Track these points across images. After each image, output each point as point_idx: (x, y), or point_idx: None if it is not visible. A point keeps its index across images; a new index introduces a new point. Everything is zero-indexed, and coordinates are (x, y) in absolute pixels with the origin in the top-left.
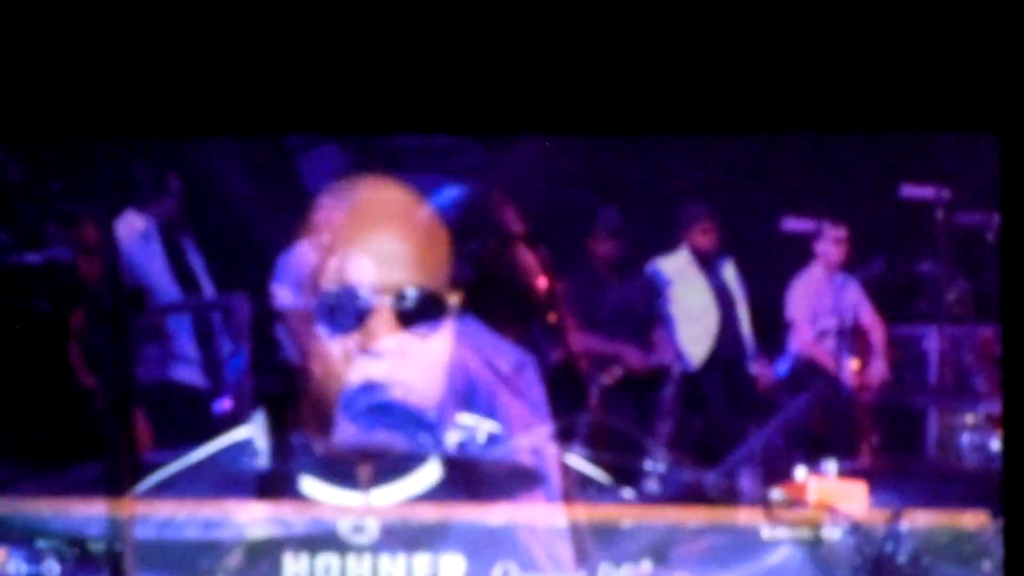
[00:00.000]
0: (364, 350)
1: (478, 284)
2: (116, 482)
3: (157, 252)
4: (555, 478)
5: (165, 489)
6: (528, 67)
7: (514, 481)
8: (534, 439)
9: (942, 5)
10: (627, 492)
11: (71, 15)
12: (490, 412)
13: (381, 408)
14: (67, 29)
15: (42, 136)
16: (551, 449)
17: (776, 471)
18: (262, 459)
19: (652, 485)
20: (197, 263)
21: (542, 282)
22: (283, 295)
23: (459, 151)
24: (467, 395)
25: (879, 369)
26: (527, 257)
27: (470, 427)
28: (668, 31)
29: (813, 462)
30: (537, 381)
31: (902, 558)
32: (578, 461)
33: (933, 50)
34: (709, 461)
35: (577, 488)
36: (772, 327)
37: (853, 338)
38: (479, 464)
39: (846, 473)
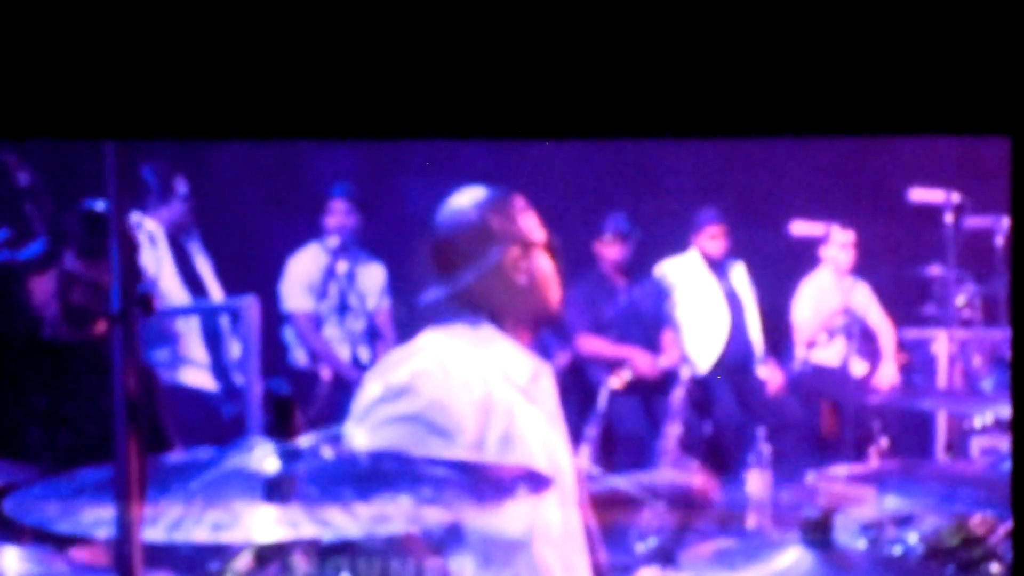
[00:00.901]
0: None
1: (497, 292)
2: (125, 484)
3: (164, 256)
4: (567, 483)
5: (174, 491)
6: (535, 70)
7: (523, 486)
8: (548, 446)
9: (953, 8)
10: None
11: (78, 16)
12: (507, 422)
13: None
14: (75, 31)
15: (49, 139)
16: (564, 455)
17: (786, 474)
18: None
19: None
20: (205, 266)
21: (557, 289)
22: (292, 298)
23: (465, 154)
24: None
25: (888, 372)
26: (546, 264)
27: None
28: (676, 34)
29: (823, 465)
30: (552, 389)
31: (911, 561)
32: (588, 465)
33: (944, 53)
34: (718, 464)
35: (588, 492)
36: (781, 331)
37: (862, 341)
38: (489, 469)
39: (855, 477)
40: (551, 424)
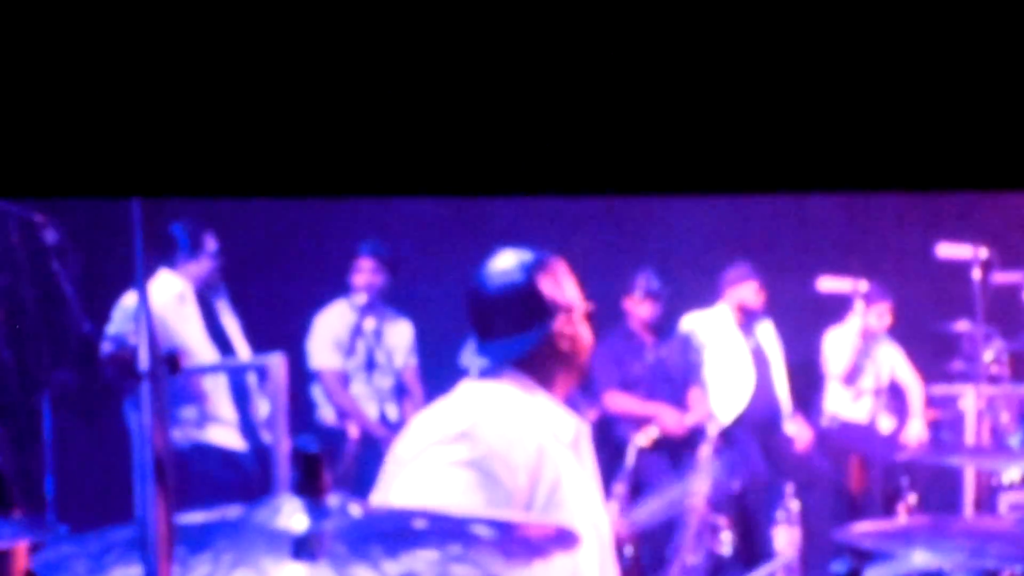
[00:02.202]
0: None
1: (543, 357)
2: (152, 543)
3: (192, 313)
4: (605, 542)
5: (202, 548)
6: (560, 127)
7: (553, 544)
8: (590, 504)
9: (977, 63)
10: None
11: (102, 74)
12: (555, 478)
13: None
14: (100, 89)
15: (76, 198)
16: (603, 514)
17: (815, 530)
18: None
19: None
20: (232, 324)
21: (592, 351)
22: (319, 355)
23: (490, 211)
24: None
25: (917, 428)
26: (586, 331)
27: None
28: (703, 90)
29: (851, 521)
30: (590, 448)
31: None
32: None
33: (970, 107)
34: (746, 519)
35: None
36: (808, 387)
37: (891, 398)
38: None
39: (884, 533)
40: (592, 483)
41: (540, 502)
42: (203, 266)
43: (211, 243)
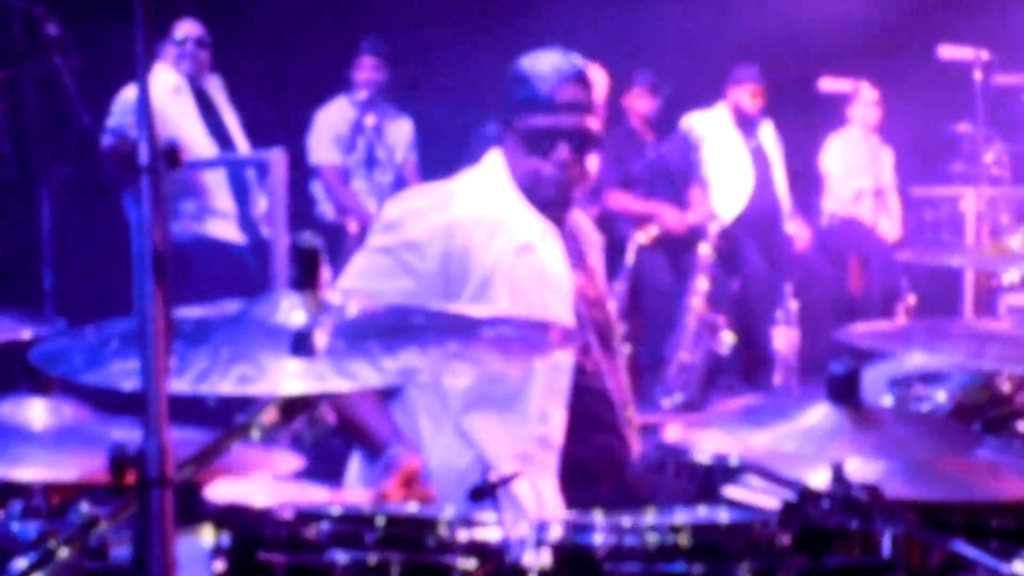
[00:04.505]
0: None
1: (531, 171)
2: (150, 337)
3: (188, 106)
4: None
5: (200, 346)
6: None
7: (551, 342)
8: (544, 306)
9: None
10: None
11: None
12: (488, 273)
13: None
14: None
15: None
16: (563, 314)
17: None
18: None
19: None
20: (232, 119)
21: (576, 190)
22: (320, 151)
23: (499, 7)
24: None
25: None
26: (587, 168)
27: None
28: None
29: (850, 322)
30: (559, 250)
31: (937, 418)
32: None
33: None
34: (745, 319)
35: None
36: (809, 188)
37: (887, 198)
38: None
39: (883, 333)
40: (552, 284)
41: (467, 295)
42: (199, 58)
43: (206, 36)
